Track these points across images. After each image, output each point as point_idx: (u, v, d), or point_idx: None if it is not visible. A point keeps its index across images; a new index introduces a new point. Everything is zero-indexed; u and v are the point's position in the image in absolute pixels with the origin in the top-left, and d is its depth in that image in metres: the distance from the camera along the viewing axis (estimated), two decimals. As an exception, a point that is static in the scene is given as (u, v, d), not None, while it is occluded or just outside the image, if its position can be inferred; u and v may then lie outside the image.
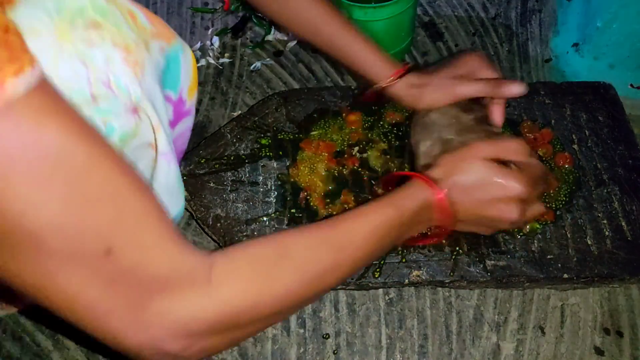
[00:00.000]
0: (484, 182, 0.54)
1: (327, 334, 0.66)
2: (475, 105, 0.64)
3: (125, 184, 0.34)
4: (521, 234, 0.65)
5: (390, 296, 0.68)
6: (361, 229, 0.50)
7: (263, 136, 0.74)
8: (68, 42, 0.38)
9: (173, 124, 0.53)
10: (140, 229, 0.35)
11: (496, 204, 0.54)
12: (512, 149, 0.55)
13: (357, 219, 0.50)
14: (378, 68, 0.66)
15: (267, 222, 0.67)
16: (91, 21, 0.40)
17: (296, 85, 0.90)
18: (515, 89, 0.61)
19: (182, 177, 0.69)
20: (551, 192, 0.68)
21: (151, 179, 0.49)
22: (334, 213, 0.66)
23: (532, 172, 0.55)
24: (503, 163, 0.55)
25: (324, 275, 0.46)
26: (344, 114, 0.75)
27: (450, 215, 0.54)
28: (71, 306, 0.34)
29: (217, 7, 1.02)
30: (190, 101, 0.54)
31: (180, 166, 0.70)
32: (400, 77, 0.65)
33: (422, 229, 0.58)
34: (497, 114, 0.64)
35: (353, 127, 0.74)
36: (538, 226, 0.65)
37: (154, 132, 0.45)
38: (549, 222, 0.65)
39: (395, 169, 0.70)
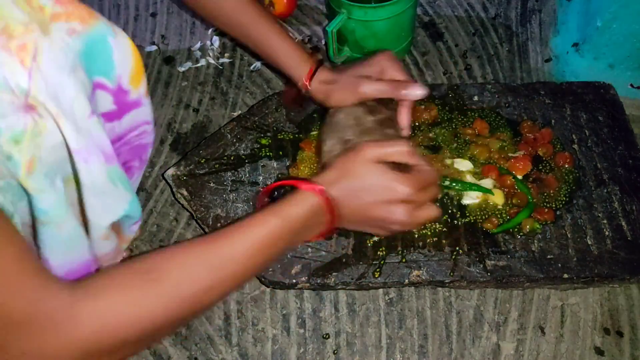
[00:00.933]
0: (371, 184, 0.53)
1: (327, 334, 0.66)
2: (383, 106, 0.64)
3: None
4: (521, 234, 0.65)
5: (390, 296, 0.68)
6: (243, 243, 0.48)
7: (263, 136, 0.74)
8: None
9: (118, 115, 0.50)
10: None
11: (384, 205, 0.54)
12: (400, 151, 0.55)
13: (238, 234, 0.48)
14: (297, 68, 0.66)
15: (267, 222, 0.67)
16: None
17: (296, 85, 0.90)
18: (416, 92, 0.61)
19: (182, 177, 0.69)
20: (551, 192, 0.68)
21: (76, 183, 0.46)
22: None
23: (421, 176, 0.55)
24: (398, 166, 0.55)
25: (201, 296, 0.45)
26: None
27: (335, 217, 0.54)
28: None
29: (217, 7, 1.02)
30: (137, 90, 0.50)
31: (182, 165, 0.70)
32: (312, 76, 0.65)
33: (315, 233, 0.56)
34: (403, 116, 0.65)
35: None
36: (538, 226, 0.65)
37: (58, 127, 0.40)
38: (548, 222, 0.65)
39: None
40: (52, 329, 0.37)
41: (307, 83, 0.66)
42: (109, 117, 0.50)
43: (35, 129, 0.39)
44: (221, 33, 0.97)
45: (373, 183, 0.53)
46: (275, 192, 0.61)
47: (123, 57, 0.47)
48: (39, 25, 0.38)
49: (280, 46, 0.66)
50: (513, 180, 0.67)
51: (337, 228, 0.56)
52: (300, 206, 0.52)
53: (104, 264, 0.57)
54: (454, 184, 0.67)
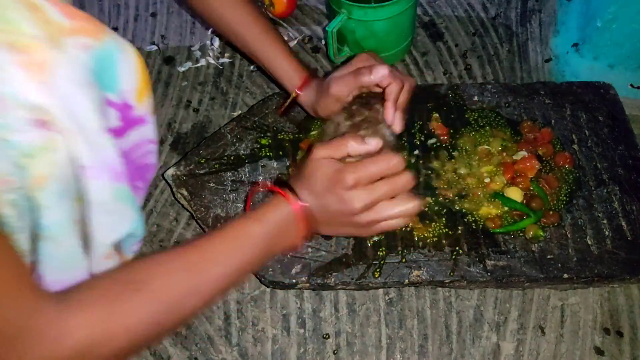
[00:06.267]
0: (322, 180, 0.53)
1: (327, 334, 0.66)
2: (369, 108, 0.63)
3: None
4: (522, 234, 0.65)
5: (390, 296, 0.68)
6: (222, 246, 0.49)
7: (263, 136, 0.74)
8: None
9: (121, 131, 0.50)
10: None
11: (338, 197, 0.53)
12: (344, 143, 0.54)
13: (217, 237, 0.49)
14: (290, 79, 0.68)
15: (267, 222, 0.67)
16: None
17: (296, 85, 0.90)
18: (378, 72, 0.59)
19: (182, 177, 0.69)
20: (552, 192, 0.68)
21: (84, 198, 0.45)
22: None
23: (374, 162, 0.54)
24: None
25: (183, 301, 0.46)
26: None
27: (309, 224, 0.54)
28: None
29: (217, 7, 1.02)
30: (142, 106, 0.50)
31: (182, 165, 0.70)
32: (304, 88, 0.67)
33: (293, 241, 0.55)
34: (388, 111, 0.62)
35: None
36: (542, 234, 0.64)
37: (70, 143, 0.40)
38: (555, 224, 0.65)
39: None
40: (40, 342, 0.38)
41: (299, 92, 0.68)
42: (114, 133, 0.50)
43: (50, 144, 0.39)
44: (221, 33, 0.98)
45: (322, 178, 0.54)
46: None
47: (129, 72, 0.47)
48: (52, 40, 0.38)
49: (276, 56, 0.68)
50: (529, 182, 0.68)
51: (314, 234, 0.57)
52: (278, 211, 0.53)
53: None
54: (508, 204, 0.66)
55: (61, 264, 0.47)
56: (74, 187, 0.44)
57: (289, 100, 0.70)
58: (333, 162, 0.54)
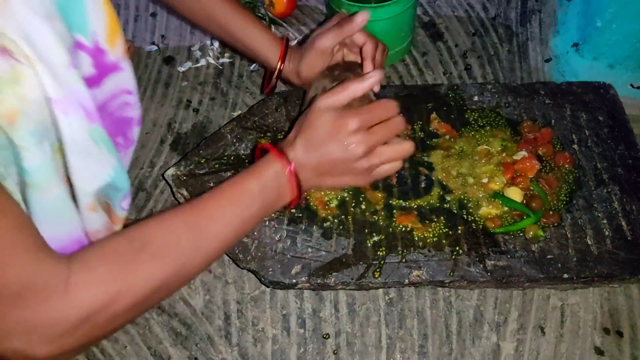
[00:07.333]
0: (323, 128, 0.55)
1: (327, 334, 0.66)
2: (350, 73, 0.66)
3: None
4: (522, 234, 0.65)
5: (390, 296, 0.68)
6: (221, 204, 0.49)
7: (263, 136, 0.74)
8: None
9: (97, 79, 0.48)
10: None
11: (339, 144, 0.55)
12: (350, 88, 0.56)
13: (216, 195, 0.50)
14: (269, 49, 0.69)
15: (267, 222, 0.67)
16: None
17: (296, 85, 0.90)
18: (359, 19, 0.63)
19: (182, 177, 0.69)
20: (552, 192, 0.68)
21: (58, 141, 0.43)
22: (334, 213, 0.66)
23: (374, 107, 0.56)
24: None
25: (186, 259, 0.46)
26: None
27: (301, 180, 0.55)
28: None
29: (217, 7, 1.02)
30: (114, 51, 0.48)
31: (182, 165, 0.70)
32: (284, 59, 0.68)
33: (288, 199, 0.57)
34: (368, 65, 0.66)
35: None
36: (542, 234, 0.64)
37: (37, 75, 0.38)
38: (555, 224, 0.65)
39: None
40: (47, 300, 0.37)
41: (281, 63, 0.69)
42: (89, 82, 0.48)
43: (14, 75, 0.37)
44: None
45: (324, 126, 0.55)
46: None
47: (97, 12, 0.46)
48: None
49: (254, 35, 0.69)
50: (528, 182, 0.67)
51: (311, 189, 0.59)
52: (272, 167, 0.54)
53: None
54: (508, 204, 0.66)
55: (51, 216, 0.46)
56: (52, 129, 0.42)
57: (276, 72, 0.70)
58: (335, 109, 0.55)
